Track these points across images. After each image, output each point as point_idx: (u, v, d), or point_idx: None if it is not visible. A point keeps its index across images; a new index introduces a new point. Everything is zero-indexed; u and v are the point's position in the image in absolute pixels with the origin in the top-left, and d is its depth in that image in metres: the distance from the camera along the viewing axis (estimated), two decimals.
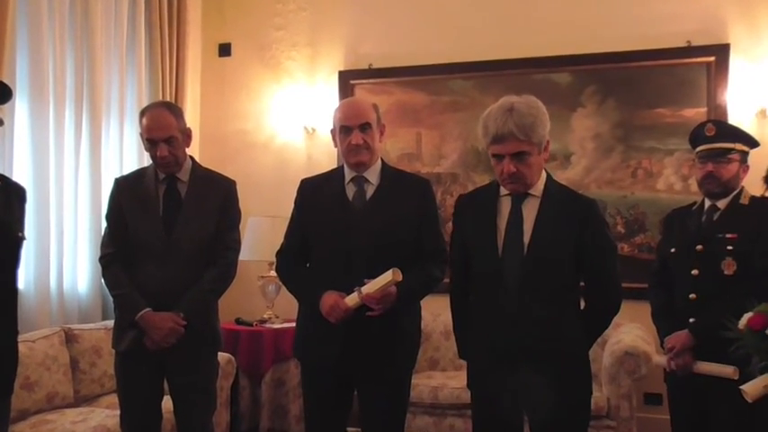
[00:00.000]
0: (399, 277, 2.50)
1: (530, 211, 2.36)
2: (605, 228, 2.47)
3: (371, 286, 2.52)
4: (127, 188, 2.97)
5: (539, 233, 2.32)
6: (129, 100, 4.53)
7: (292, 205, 2.85)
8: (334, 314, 2.55)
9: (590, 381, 2.45)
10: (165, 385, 2.97)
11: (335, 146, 2.78)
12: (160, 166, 2.91)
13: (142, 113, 2.94)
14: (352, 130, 2.65)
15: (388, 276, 2.50)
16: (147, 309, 2.82)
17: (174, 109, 2.99)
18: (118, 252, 2.92)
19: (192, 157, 3.03)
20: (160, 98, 4.59)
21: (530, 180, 2.34)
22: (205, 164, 3.15)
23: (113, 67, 4.42)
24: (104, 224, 3.05)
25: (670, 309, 2.92)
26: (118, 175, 3.23)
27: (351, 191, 2.70)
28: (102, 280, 4.04)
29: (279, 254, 2.84)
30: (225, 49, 5.32)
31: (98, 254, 3.04)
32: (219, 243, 2.94)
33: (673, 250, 2.95)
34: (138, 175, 3.06)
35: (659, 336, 2.99)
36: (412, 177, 2.88)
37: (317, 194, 2.75)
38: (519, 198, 2.36)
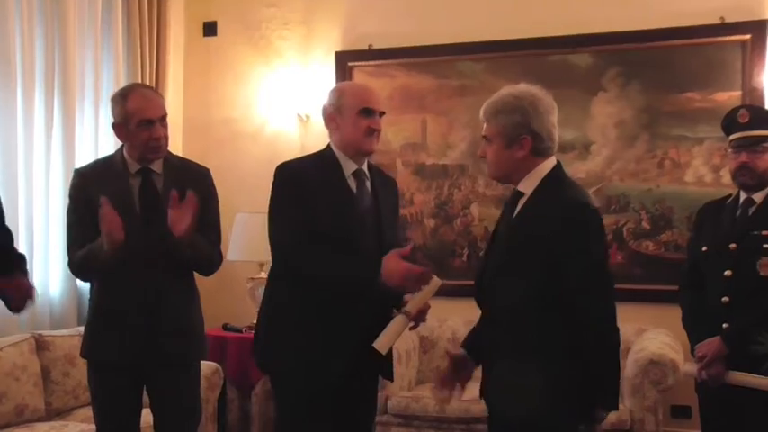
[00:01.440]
0: (440, 282, 2.57)
1: (516, 212, 2.33)
2: (586, 237, 2.19)
3: (418, 302, 2.54)
4: (95, 181, 2.87)
5: (506, 237, 2.32)
6: (104, 83, 4.51)
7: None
8: (409, 276, 2.47)
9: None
10: (145, 397, 2.95)
11: (333, 128, 2.69)
12: (154, 149, 2.85)
13: (124, 96, 2.86)
14: (376, 113, 2.67)
15: (437, 283, 2.54)
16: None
17: (155, 89, 2.99)
18: None
19: None
20: (139, 81, 4.56)
21: (494, 169, 2.35)
22: (188, 155, 3.14)
23: (87, 46, 4.40)
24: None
25: (702, 313, 2.92)
26: None
27: (352, 184, 2.69)
28: (77, 281, 4.07)
29: (290, 245, 2.59)
30: (210, 28, 5.30)
31: None
32: (204, 239, 2.92)
33: (704, 249, 2.94)
34: (104, 166, 2.97)
35: (690, 342, 2.98)
36: (384, 172, 2.95)
37: (319, 187, 2.62)
38: (514, 197, 2.36)
